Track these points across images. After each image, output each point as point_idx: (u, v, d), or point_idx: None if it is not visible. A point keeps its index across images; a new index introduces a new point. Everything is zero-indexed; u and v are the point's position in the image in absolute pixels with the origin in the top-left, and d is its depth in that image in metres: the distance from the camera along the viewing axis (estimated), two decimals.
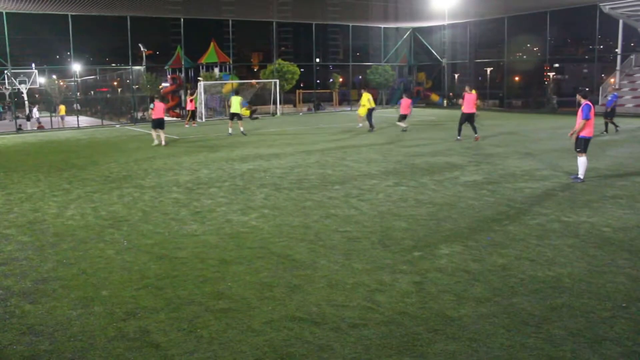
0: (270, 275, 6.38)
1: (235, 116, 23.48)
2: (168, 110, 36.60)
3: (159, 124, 20.03)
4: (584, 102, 11.69)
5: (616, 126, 21.18)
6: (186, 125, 29.30)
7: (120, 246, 7.66)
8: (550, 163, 14.19)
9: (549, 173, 12.74)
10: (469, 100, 19.14)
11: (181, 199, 10.66)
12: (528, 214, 9.04)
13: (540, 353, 4.48)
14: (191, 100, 30.46)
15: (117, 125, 31.55)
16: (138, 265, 6.81)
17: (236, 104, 23.48)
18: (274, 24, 39.43)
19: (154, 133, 20.41)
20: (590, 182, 11.60)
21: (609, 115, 21.00)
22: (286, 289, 5.95)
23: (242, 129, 23.53)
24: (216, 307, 5.50)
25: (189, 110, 30.41)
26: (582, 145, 11.66)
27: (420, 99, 45.08)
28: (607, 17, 35.48)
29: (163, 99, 37.83)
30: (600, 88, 36.37)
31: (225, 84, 37.33)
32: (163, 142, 20.09)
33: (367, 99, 24.56)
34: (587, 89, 12.24)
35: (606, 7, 34.35)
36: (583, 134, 11.65)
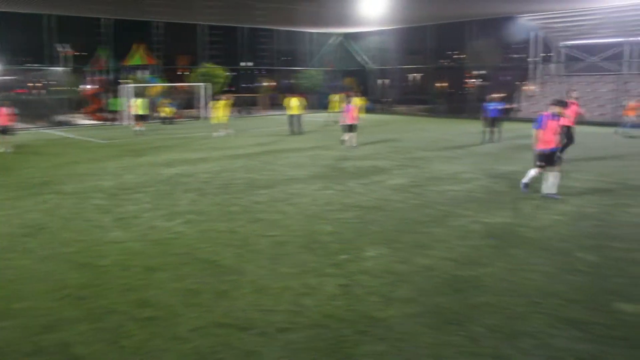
0: (196, 281, 6.29)
1: (139, 117, 25.15)
2: (90, 114, 35.35)
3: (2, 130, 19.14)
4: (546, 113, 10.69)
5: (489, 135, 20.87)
6: (137, 128, 28.12)
7: (39, 255, 7.33)
8: (473, 166, 14.70)
9: (471, 176, 13.19)
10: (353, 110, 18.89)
11: (104, 205, 10.34)
12: (451, 215, 9.34)
13: (463, 350, 4.64)
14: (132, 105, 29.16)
15: (36, 129, 30.17)
16: (58, 275, 6.54)
17: (141, 105, 25.52)
18: (202, 27, 38.88)
19: None
20: (509, 184, 12.10)
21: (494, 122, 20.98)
22: (212, 295, 5.89)
23: (138, 127, 24.83)
24: (140, 315, 5.37)
25: (135, 115, 29.16)
26: (537, 159, 10.71)
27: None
28: (523, 28, 37.23)
29: (82, 102, 36.57)
30: (517, 95, 38.01)
31: (151, 87, 36.45)
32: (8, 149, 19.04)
33: (296, 104, 24.75)
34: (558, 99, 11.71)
35: (521, 19, 36.05)
36: (539, 146, 10.62)
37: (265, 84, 46.16)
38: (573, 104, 14.94)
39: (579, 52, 36.51)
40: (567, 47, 36.48)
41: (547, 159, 10.54)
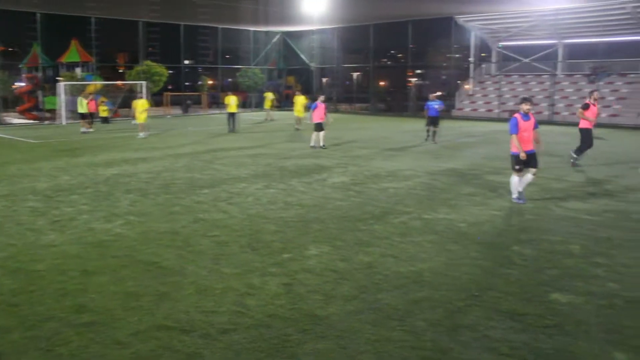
0: (136, 284, 6.16)
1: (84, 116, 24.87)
2: (23, 112, 34.02)
3: None
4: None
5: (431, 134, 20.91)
6: (89, 129, 27.05)
7: None
8: (413, 164, 14.97)
9: (411, 173, 13.43)
10: (320, 111, 18.64)
11: (38, 208, 9.97)
12: (392, 213, 9.48)
13: (403, 345, 4.72)
14: (91, 102, 27.98)
15: None
16: None
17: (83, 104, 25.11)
18: (141, 23, 38.03)
19: None
20: (448, 181, 12.39)
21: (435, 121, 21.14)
22: (153, 297, 5.77)
23: (85, 129, 24.45)
24: (78, 321, 5.21)
25: (89, 112, 28.04)
26: (515, 162, 10.12)
27: (289, 103, 45.62)
28: (462, 29, 38.19)
29: (16, 100, 35.14)
30: (456, 93, 38.97)
31: (88, 84, 35.40)
32: None
33: (235, 102, 25.06)
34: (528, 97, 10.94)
35: (460, 20, 36.95)
36: (514, 149, 10.13)
37: (206, 82, 45.56)
38: (594, 105, 14.49)
39: (514, 52, 37.72)
40: (503, 48, 37.61)
41: (525, 162, 9.93)
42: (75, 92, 33.71)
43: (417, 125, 28.19)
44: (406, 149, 18.37)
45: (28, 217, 9.26)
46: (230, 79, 50.02)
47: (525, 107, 10.22)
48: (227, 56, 47.33)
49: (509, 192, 10.57)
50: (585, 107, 14.33)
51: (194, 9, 32.41)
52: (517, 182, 10.24)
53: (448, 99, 36.05)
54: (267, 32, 45.33)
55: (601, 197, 10.80)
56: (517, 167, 10.08)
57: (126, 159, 16.11)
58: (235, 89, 39.32)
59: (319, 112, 18.59)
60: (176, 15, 36.80)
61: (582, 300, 5.66)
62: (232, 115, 25.00)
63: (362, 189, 11.50)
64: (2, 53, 35.18)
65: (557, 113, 32.37)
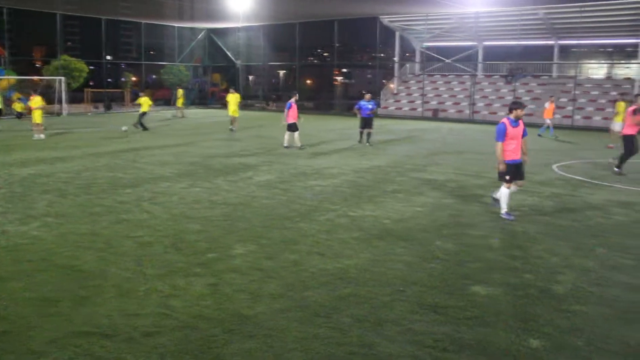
0: (54, 289, 5.89)
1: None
2: None
3: None
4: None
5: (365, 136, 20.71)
6: None
7: None
8: (339, 161, 15.12)
9: (337, 171, 13.56)
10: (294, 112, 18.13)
11: None
12: (318, 210, 9.53)
13: (330, 341, 4.75)
14: None
15: None
16: None
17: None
18: (59, 16, 36.47)
19: None
20: (374, 178, 12.59)
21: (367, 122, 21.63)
22: (72, 302, 5.54)
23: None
24: None
25: None
26: (502, 173, 9.18)
27: (215, 100, 45.14)
28: (386, 29, 38.95)
29: None
30: (382, 92, 39.70)
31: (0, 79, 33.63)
32: None
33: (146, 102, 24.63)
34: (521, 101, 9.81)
35: (385, 20, 37.67)
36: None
37: (130, 79, 44.32)
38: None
39: (437, 53, 38.81)
40: (426, 48, 38.61)
41: (513, 172, 9.08)
42: None
43: (343, 124, 28.54)
44: (332, 147, 18.52)
45: None
46: (154, 76, 48.88)
47: (519, 112, 9.04)
48: (151, 52, 46.25)
49: (432, 190, 10.86)
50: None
51: (116, 3, 31.44)
52: (507, 195, 9.16)
53: (374, 98, 36.66)
54: (192, 29, 44.59)
55: (518, 192, 11.26)
56: (507, 178, 9.02)
57: (43, 158, 15.41)
58: (159, 86, 38.44)
59: (293, 112, 18.06)
60: (97, 9, 35.55)
61: (500, 292, 5.89)
62: (143, 114, 24.46)
63: (288, 187, 11.51)
64: None
65: (476, 112, 33.60)
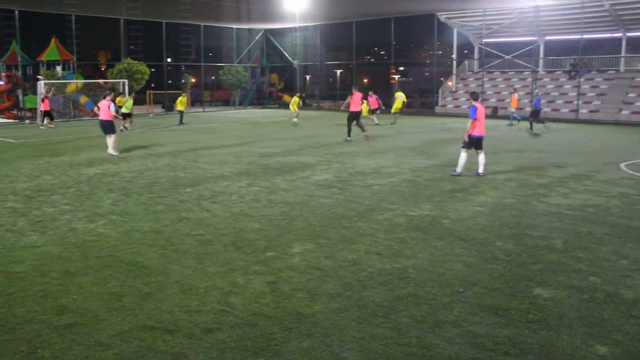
0: (119, 284, 6.10)
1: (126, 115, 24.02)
2: (2, 112, 33.56)
3: None
4: (472, 103, 12.69)
5: (542, 125, 23.07)
6: (41, 127, 26.95)
7: None
8: (396, 160, 15.01)
9: (395, 170, 13.46)
10: (356, 100, 19.59)
11: (19, 208, 9.83)
12: (376, 209, 9.49)
13: (388, 341, 4.72)
14: (44, 100, 27.99)
15: None
16: None
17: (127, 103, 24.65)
18: (122, 21, 37.72)
19: None
20: (432, 177, 12.44)
21: (534, 115, 22.97)
22: (136, 297, 5.72)
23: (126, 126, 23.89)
24: (59, 323, 5.14)
25: (42, 111, 27.92)
26: (467, 142, 12.60)
27: (273, 100, 45.64)
28: (444, 26, 38.39)
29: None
30: (439, 90, 39.15)
31: (68, 83, 35.05)
32: None
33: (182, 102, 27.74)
34: (476, 92, 12.66)
35: (442, 17, 37.12)
36: (472, 133, 12.49)
37: (189, 80, 45.33)
38: None
39: (496, 49, 37.95)
40: (485, 45, 37.82)
41: (472, 144, 12.57)
42: (56, 90, 33.38)
43: (400, 122, 28.30)
44: (390, 146, 18.40)
45: (8, 218, 9.12)
46: (213, 77, 49.80)
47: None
48: (210, 54, 47.13)
49: (492, 189, 10.65)
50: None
51: (176, 7, 32.23)
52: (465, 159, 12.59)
53: (431, 96, 36.21)
54: (250, 30, 45.21)
55: (582, 192, 10.92)
56: (463, 145, 12.67)
57: (108, 158, 15.96)
58: (218, 87, 39.16)
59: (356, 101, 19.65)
60: (158, 13, 36.54)
61: (564, 295, 5.71)
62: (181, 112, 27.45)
63: (345, 187, 11.51)
64: None
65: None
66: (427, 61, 44.80)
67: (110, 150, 16.67)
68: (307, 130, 22.98)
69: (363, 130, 20.07)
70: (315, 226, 8.44)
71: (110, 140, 16.72)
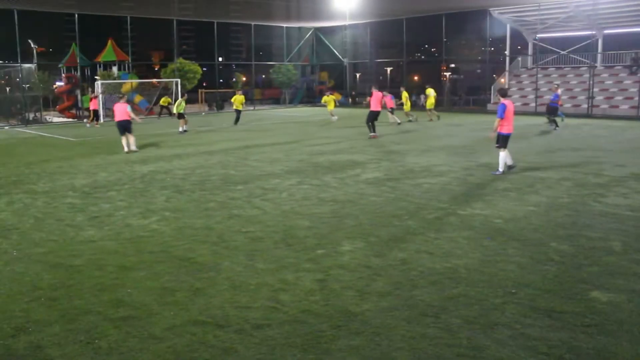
0: (171, 279, 6.23)
1: (180, 116, 24.04)
2: (62, 111, 34.80)
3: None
4: (501, 101, 12.34)
5: (555, 124, 22.28)
6: (88, 125, 28.04)
7: (9, 256, 7.20)
8: (447, 159, 14.81)
9: (446, 169, 13.29)
10: (376, 99, 19.77)
11: (77, 204, 10.19)
12: (426, 208, 9.39)
13: (438, 342, 4.66)
14: (93, 100, 29.10)
15: (6, 127, 29.62)
16: (29, 276, 6.43)
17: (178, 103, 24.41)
18: (175, 21, 38.52)
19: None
20: (483, 176, 12.22)
21: (551, 112, 22.40)
22: (188, 292, 5.84)
23: (183, 127, 23.80)
24: (115, 315, 5.30)
25: (91, 110, 29.03)
26: (500, 141, 12.33)
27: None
28: (496, 21, 37.58)
29: (55, 99, 36.00)
30: (492, 87, 38.38)
31: (124, 83, 36.05)
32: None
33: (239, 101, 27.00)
34: (505, 88, 12.64)
35: (495, 12, 36.35)
36: (502, 131, 12.24)
37: (240, 79, 45.88)
38: None
39: (551, 45, 36.92)
40: (539, 40, 36.86)
41: (505, 142, 12.31)
42: (112, 90, 34.42)
43: (451, 120, 27.93)
44: (440, 144, 18.16)
45: (67, 213, 9.47)
46: (263, 76, 50.27)
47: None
48: (260, 53, 47.57)
49: (546, 188, 10.38)
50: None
51: (227, 7, 32.66)
52: (505, 158, 12.40)
53: (483, 93, 35.53)
54: (299, 28, 45.42)
55: None
56: (497, 145, 12.47)
57: (161, 156, 16.34)
58: (269, 86, 39.52)
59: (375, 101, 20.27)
60: (209, 13, 37.12)
61: (623, 299, 5.50)
62: (238, 112, 26.98)
63: (396, 185, 11.43)
64: (42, 54, 36.01)
65: (596, 106, 31.59)
66: (479, 58, 43.89)
67: (133, 147, 17.61)
68: (356, 128, 22.89)
69: (372, 130, 20.22)
70: (365, 224, 8.41)
71: (132, 139, 17.68)
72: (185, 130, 23.74)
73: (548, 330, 4.84)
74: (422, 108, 28.24)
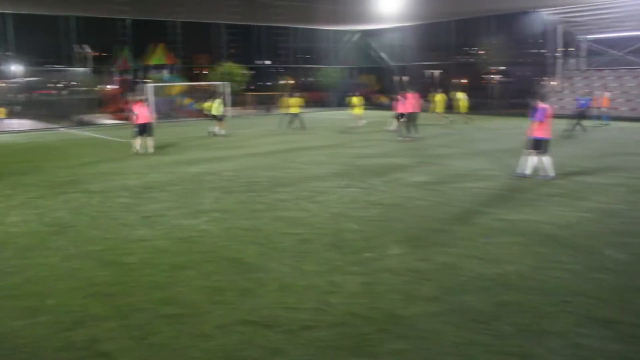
0: (221, 279, 6.34)
1: (215, 117, 23.99)
2: (113, 113, 35.74)
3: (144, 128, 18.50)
4: (540, 105, 12.10)
5: (583, 128, 21.85)
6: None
7: (67, 253, 7.46)
8: (495, 163, 14.57)
9: (493, 173, 13.08)
10: (411, 101, 19.75)
11: (130, 204, 10.46)
12: (474, 213, 9.27)
13: (489, 349, 4.60)
14: (138, 102, 29.88)
15: (62, 129, 30.63)
16: (86, 272, 6.65)
17: (216, 106, 24.05)
18: (220, 26, 39.08)
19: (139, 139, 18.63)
20: (532, 181, 11.98)
21: (580, 117, 21.95)
22: (237, 292, 5.92)
23: (216, 129, 23.77)
24: (167, 313, 5.43)
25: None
26: (541, 146, 12.12)
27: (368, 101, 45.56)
28: (547, 22, 36.76)
29: (105, 101, 37.01)
30: (540, 91, 37.49)
31: (173, 86, 36.78)
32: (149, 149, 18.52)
33: (297, 103, 25.91)
34: (542, 92, 12.57)
35: (545, 13, 35.56)
36: (541, 135, 12.03)
37: (283, 82, 46.18)
38: None
39: (601, 46, 35.88)
40: (589, 41, 35.86)
41: (539, 145, 12.14)
42: (162, 93, 35.18)
43: (497, 124, 27.47)
44: (488, 148, 17.89)
45: (120, 213, 9.73)
46: (309, 79, 50.43)
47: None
48: (306, 56, 47.77)
49: (598, 194, 10.11)
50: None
51: (272, 10, 32.94)
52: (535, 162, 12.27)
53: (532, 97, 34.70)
54: (345, 31, 45.45)
55: None
56: (531, 149, 12.24)
57: (210, 158, 16.61)
58: (314, 89, 39.66)
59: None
60: (253, 17, 37.53)
61: None
62: (293, 115, 25.83)
63: (442, 189, 11.32)
64: (96, 58, 37.11)
65: None
66: (528, 60, 43.00)
67: (150, 150, 18.31)
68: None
69: (409, 132, 20.17)
70: (412, 228, 8.36)
71: (150, 142, 18.49)
72: (221, 134, 23.68)
73: (603, 340, 4.72)
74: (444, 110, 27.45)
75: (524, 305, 5.45)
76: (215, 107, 23.97)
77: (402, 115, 20.33)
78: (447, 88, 30.80)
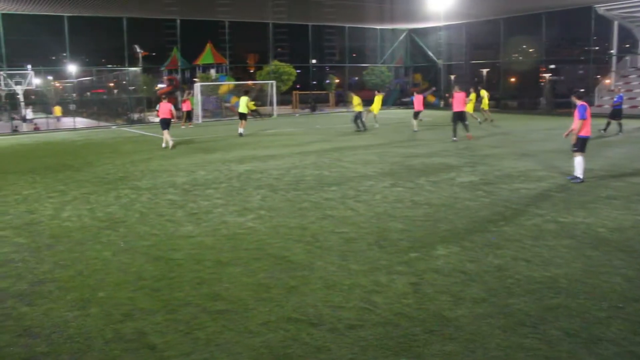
0: (267, 276, 6.38)
1: (242, 116, 23.89)
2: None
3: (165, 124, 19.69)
4: (579, 102, 11.75)
5: (620, 128, 20.93)
6: (182, 127, 29.36)
7: (117, 247, 7.66)
8: (546, 164, 14.22)
9: (544, 174, 12.76)
10: (458, 99, 19.52)
11: (177, 201, 10.66)
12: (524, 214, 9.06)
13: (536, 353, 4.49)
14: (185, 101, 30.53)
15: (113, 127, 31.49)
16: (135, 267, 6.81)
17: (243, 104, 24.02)
18: (270, 25, 39.44)
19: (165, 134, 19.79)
20: (585, 182, 11.63)
21: (614, 115, 21.06)
22: (283, 290, 5.95)
23: (241, 129, 23.60)
24: (213, 308, 5.50)
25: (184, 111, 30.48)
26: (578, 145, 11.77)
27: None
28: (602, 19, 35.61)
29: (157, 100, 37.90)
30: (596, 89, 36.45)
31: (221, 85, 37.32)
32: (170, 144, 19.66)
33: (358, 102, 24.82)
34: (581, 90, 12.18)
35: (601, 9, 34.45)
36: (582, 134, 11.75)
37: (334, 81, 46.23)
38: None
39: None
40: None
41: (583, 145, 11.86)
42: (210, 92, 35.74)
43: (550, 124, 26.81)
44: (538, 148, 17.47)
45: (168, 209, 9.92)
46: (356, 78, 50.37)
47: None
48: (354, 55, 47.70)
49: None
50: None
51: (321, 9, 33.03)
52: (582, 163, 11.84)
53: (586, 95, 33.80)
54: (393, 30, 45.18)
55: None
56: (575, 149, 11.90)
57: (256, 156, 16.77)
58: (361, 88, 39.58)
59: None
60: (303, 16, 37.70)
61: None
62: (357, 114, 24.79)
63: (491, 189, 11.11)
64: (147, 57, 37.97)
65: None
66: (582, 58, 41.78)
67: (170, 143, 19.65)
68: (449, 131, 22.44)
69: (467, 130, 20.01)
70: (459, 229, 8.24)
71: (168, 135, 19.66)
72: (240, 132, 23.51)
73: None
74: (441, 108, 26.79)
75: (573, 310, 5.29)
76: (243, 105, 23.99)
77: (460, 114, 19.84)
78: (476, 87, 30.01)
